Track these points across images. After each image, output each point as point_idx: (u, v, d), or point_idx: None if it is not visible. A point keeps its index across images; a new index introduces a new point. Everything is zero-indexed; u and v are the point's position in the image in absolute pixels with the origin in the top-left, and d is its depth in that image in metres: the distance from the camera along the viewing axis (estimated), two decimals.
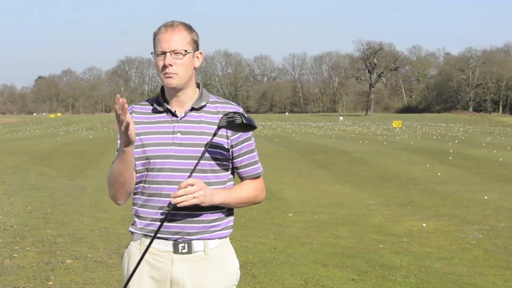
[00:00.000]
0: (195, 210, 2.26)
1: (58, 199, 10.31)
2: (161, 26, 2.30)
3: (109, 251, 6.10)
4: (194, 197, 2.17)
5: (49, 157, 21.59)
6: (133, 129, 2.14)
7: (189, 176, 2.19)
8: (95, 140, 32.26)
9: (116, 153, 2.31)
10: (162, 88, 2.38)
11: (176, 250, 2.29)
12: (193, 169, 2.20)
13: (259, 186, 2.43)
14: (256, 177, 2.43)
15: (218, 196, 2.26)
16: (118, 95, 2.04)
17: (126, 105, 2.06)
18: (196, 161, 2.25)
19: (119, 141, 2.32)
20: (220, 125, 2.24)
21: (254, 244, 7.17)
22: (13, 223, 7.43)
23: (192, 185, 2.17)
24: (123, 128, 2.11)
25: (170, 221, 2.27)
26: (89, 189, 12.75)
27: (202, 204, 2.21)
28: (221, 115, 2.32)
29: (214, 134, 2.26)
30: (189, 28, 2.31)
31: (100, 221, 8.13)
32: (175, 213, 2.26)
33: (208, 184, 2.29)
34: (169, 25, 2.28)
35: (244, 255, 6.17)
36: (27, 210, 8.69)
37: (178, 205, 2.16)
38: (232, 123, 2.23)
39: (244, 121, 2.22)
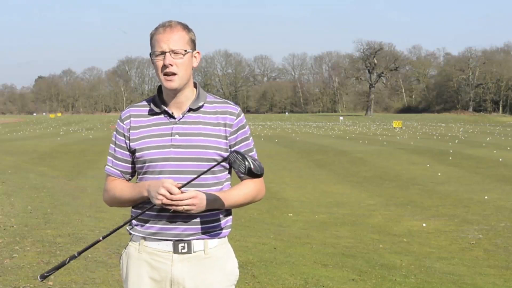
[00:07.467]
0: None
1: (58, 199, 10.31)
2: (159, 26, 2.29)
3: (109, 251, 6.10)
4: (185, 205, 2.15)
5: (49, 157, 21.58)
6: None
7: (182, 186, 2.17)
8: (95, 140, 32.22)
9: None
10: (159, 88, 2.37)
11: (176, 250, 2.29)
12: (186, 183, 2.18)
13: (258, 185, 2.39)
14: None
15: (212, 205, 2.25)
16: None
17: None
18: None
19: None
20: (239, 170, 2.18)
21: (254, 244, 7.17)
22: (13, 223, 7.44)
23: (193, 197, 2.16)
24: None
25: (170, 223, 2.28)
26: (89, 189, 12.74)
27: (191, 212, 2.20)
28: (219, 116, 2.33)
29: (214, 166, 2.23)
30: (186, 28, 2.31)
31: (100, 221, 8.13)
32: (175, 215, 2.26)
33: (207, 185, 2.29)
34: (168, 25, 2.27)
35: (244, 255, 6.17)
36: (27, 210, 8.69)
37: (168, 207, 2.16)
38: (247, 168, 2.12)
39: (252, 167, 2.12)
